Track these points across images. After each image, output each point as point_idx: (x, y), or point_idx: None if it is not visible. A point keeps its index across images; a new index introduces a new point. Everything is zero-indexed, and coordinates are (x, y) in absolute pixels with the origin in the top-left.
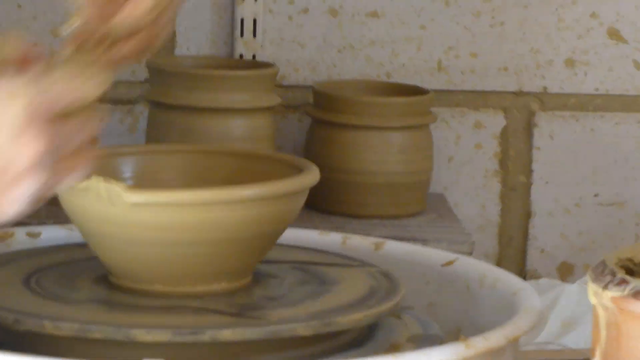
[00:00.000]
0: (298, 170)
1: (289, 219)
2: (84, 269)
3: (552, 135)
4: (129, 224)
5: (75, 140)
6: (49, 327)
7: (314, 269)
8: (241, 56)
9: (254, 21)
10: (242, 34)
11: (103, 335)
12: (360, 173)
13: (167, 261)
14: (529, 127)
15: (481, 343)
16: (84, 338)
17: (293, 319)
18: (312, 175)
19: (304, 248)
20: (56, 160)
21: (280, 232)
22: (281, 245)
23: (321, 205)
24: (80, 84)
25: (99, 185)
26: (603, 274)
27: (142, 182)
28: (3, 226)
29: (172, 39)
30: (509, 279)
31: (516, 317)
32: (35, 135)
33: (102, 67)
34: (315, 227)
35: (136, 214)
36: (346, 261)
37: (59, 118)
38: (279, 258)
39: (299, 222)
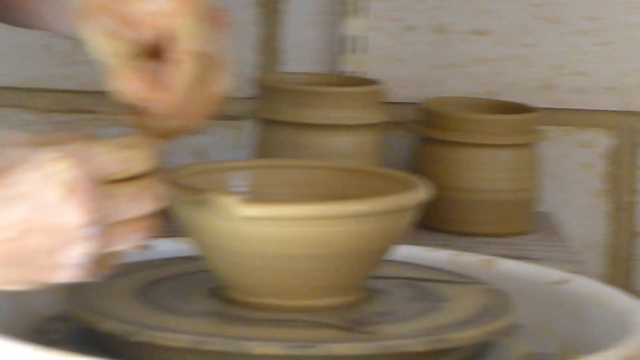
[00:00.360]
0: (409, 186)
1: (399, 234)
2: (196, 282)
3: None
4: (243, 237)
5: (128, 210)
6: (164, 338)
7: (425, 285)
8: (347, 73)
9: (360, 38)
10: (348, 51)
11: (217, 348)
12: (467, 190)
13: (279, 275)
14: (634, 147)
15: None
16: (198, 350)
17: (405, 334)
18: (423, 192)
19: (414, 264)
20: (107, 227)
21: (390, 247)
22: (392, 261)
23: (428, 222)
24: (126, 155)
25: (214, 199)
26: None
27: (253, 196)
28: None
29: (278, 56)
30: (621, 298)
31: (631, 337)
32: (80, 201)
33: (149, 140)
34: (423, 245)
35: (249, 228)
36: (457, 278)
37: (107, 187)
38: (390, 274)
39: (407, 239)
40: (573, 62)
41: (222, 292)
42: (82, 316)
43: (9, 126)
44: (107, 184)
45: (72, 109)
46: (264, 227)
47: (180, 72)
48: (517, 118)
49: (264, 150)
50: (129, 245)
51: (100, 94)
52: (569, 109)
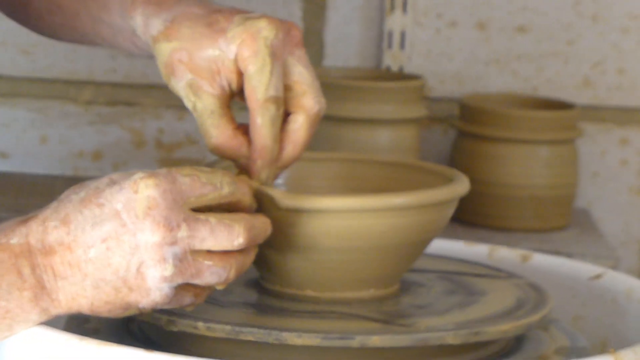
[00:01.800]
0: (448, 180)
1: (437, 228)
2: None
3: None
4: (281, 228)
5: (216, 240)
6: (202, 328)
7: (461, 279)
8: (388, 68)
9: (402, 33)
10: (390, 46)
11: (254, 338)
12: (505, 186)
13: (317, 267)
14: None
15: (631, 356)
16: (235, 340)
17: (441, 327)
18: (462, 185)
19: (450, 258)
20: (192, 254)
21: (428, 241)
22: (427, 255)
23: (465, 217)
24: (210, 176)
25: (254, 191)
26: None
27: (292, 188)
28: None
29: (320, 50)
30: None
31: None
32: (157, 219)
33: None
34: (459, 239)
35: (288, 220)
36: (493, 272)
37: (197, 212)
38: (426, 267)
39: (443, 233)
40: (613, 59)
41: (260, 283)
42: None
43: (51, 117)
44: (197, 209)
45: (114, 101)
46: (303, 219)
47: (260, 124)
48: (556, 115)
49: None
50: (216, 279)
51: (142, 87)
52: (608, 106)
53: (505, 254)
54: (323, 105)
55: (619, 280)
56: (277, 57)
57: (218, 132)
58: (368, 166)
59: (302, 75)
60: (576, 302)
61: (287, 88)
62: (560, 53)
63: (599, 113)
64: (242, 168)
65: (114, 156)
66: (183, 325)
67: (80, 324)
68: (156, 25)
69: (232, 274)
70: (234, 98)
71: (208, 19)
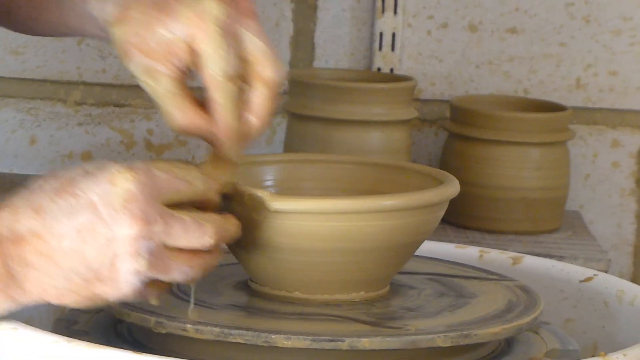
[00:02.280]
0: (438, 182)
1: (427, 230)
2: (225, 275)
3: None
4: (271, 230)
5: (188, 237)
6: (190, 330)
7: (451, 282)
8: (379, 69)
9: (393, 35)
10: (380, 48)
11: (244, 340)
12: (497, 188)
13: (307, 269)
14: None
15: (621, 359)
16: (225, 342)
17: (431, 329)
18: (452, 187)
19: (440, 260)
20: (163, 250)
21: (418, 243)
22: (418, 257)
23: (456, 219)
24: (184, 172)
25: (243, 192)
26: None
27: (283, 190)
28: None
29: (311, 51)
30: None
31: None
32: (133, 213)
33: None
34: (450, 241)
35: (278, 222)
36: (484, 274)
37: (171, 208)
38: (416, 269)
39: (434, 235)
40: (605, 61)
41: (250, 285)
42: (109, 307)
43: (40, 117)
44: (171, 205)
45: (104, 101)
46: (292, 221)
47: (222, 103)
48: (548, 116)
49: (294, 145)
50: (183, 277)
51: (131, 88)
52: (600, 108)
53: (496, 257)
54: (281, 72)
55: (610, 282)
56: (229, 33)
57: (181, 113)
58: (359, 168)
59: (256, 46)
60: (567, 304)
61: (242, 60)
62: (552, 55)
63: (590, 115)
64: (212, 145)
65: (104, 157)
66: (172, 327)
67: (69, 326)
68: (109, 10)
69: (198, 274)
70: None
71: (159, 2)
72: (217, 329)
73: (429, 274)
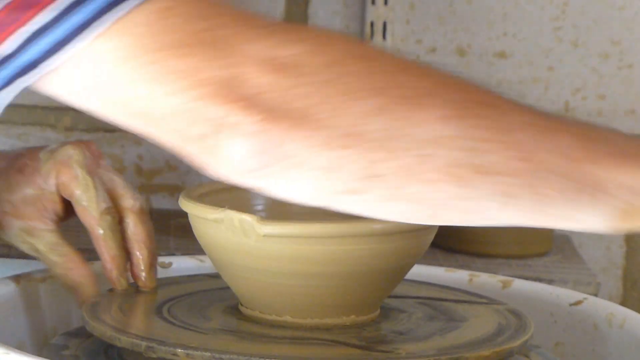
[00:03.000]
0: None
1: (417, 254)
2: (214, 299)
3: None
4: (261, 254)
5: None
6: (181, 355)
7: (441, 305)
8: None
9: None
10: None
11: None
12: None
13: (297, 293)
14: None
15: None
16: None
17: (422, 353)
18: None
19: (430, 284)
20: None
21: (408, 267)
22: (407, 280)
23: (446, 243)
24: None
25: (233, 216)
26: None
27: (272, 214)
28: None
29: None
30: (637, 319)
31: None
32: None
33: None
34: (440, 265)
35: (268, 245)
36: (473, 298)
37: None
38: (406, 293)
39: (424, 259)
40: (594, 84)
41: (239, 309)
42: (99, 332)
43: (31, 143)
44: None
45: (94, 127)
46: (282, 245)
47: (103, 236)
48: None
49: None
50: None
51: None
52: None
53: (485, 280)
54: (141, 199)
55: (600, 306)
56: (93, 172)
57: (67, 259)
58: None
59: (114, 182)
60: (557, 328)
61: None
62: (540, 79)
63: None
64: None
65: None
66: (162, 352)
67: (59, 350)
68: None
69: None
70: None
71: (16, 166)
72: (207, 354)
73: (419, 298)
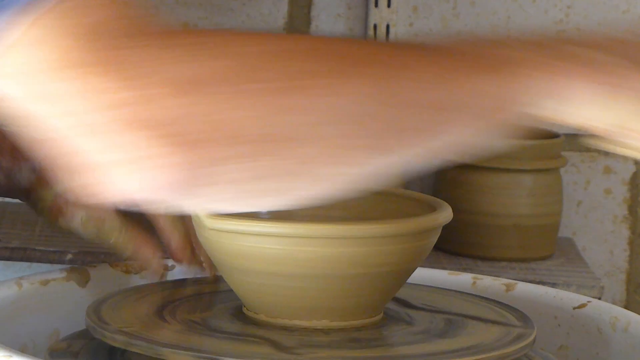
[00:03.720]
0: (430, 208)
1: (420, 257)
2: (217, 301)
3: None
4: (256, 256)
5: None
6: (184, 357)
7: (445, 308)
8: None
9: None
10: None
11: None
12: (489, 215)
13: (294, 295)
14: None
15: None
16: None
17: (423, 356)
18: (445, 214)
19: (433, 287)
20: None
21: (411, 270)
22: (410, 284)
23: (449, 246)
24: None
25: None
26: None
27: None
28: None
29: None
30: None
31: None
32: None
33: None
34: (443, 268)
35: (266, 245)
36: (477, 301)
37: None
38: (410, 296)
39: (427, 262)
40: None
41: (243, 311)
42: (102, 334)
43: None
44: None
45: None
46: (278, 245)
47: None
48: (540, 143)
49: None
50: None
51: None
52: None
53: (489, 283)
54: None
55: (603, 309)
56: None
57: (134, 240)
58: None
59: None
60: (560, 331)
61: None
62: None
63: (583, 142)
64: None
65: None
66: (165, 354)
67: (61, 353)
68: (25, 176)
69: None
70: None
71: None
72: (209, 356)
73: (422, 301)
